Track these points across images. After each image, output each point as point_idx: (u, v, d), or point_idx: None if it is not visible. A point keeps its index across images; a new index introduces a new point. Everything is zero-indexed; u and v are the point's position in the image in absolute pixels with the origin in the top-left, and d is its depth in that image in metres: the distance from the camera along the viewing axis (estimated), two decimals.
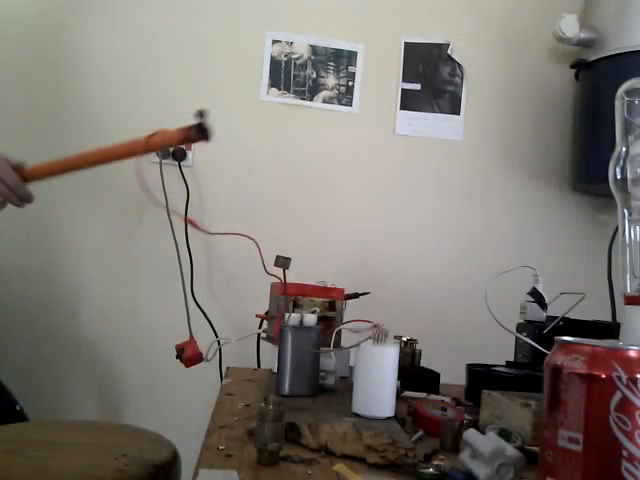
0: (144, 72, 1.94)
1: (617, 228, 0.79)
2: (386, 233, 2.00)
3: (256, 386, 1.18)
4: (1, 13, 1.89)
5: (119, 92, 1.92)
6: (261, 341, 1.65)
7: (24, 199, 1.24)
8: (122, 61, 1.93)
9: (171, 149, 1.90)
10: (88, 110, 1.90)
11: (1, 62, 1.88)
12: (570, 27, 1.87)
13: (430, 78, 2.04)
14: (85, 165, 1.19)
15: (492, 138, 2.06)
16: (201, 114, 1.05)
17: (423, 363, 1.28)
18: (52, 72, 1.90)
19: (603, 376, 0.48)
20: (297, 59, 2.00)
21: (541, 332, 1.16)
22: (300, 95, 1.99)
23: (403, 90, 2.03)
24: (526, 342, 1.10)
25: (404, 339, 1.27)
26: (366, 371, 0.91)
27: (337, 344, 1.15)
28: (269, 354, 1.35)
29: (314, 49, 2.00)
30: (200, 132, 1.05)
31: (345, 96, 2.01)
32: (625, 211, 0.77)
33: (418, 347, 1.28)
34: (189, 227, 1.87)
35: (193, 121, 1.06)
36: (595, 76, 1.87)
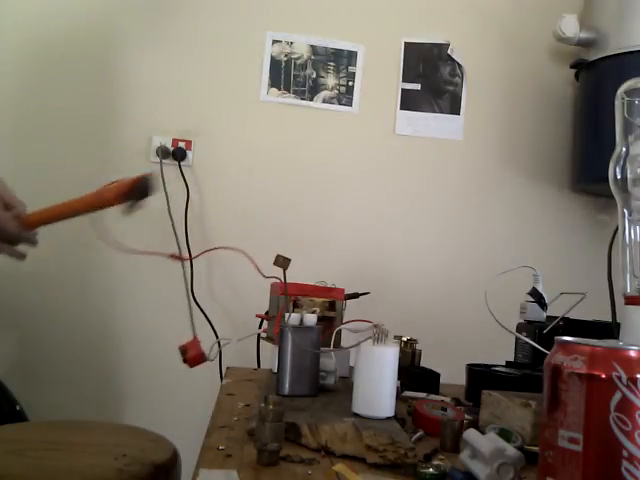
0: (142, 71, 1.94)
1: (617, 228, 0.79)
2: (386, 233, 2.00)
3: (256, 386, 1.18)
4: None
5: (119, 91, 1.92)
6: (261, 341, 1.65)
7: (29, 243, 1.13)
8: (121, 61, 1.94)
9: (171, 149, 1.90)
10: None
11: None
12: (570, 27, 1.87)
13: (430, 78, 2.04)
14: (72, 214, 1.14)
15: (492, 138, 2.06)
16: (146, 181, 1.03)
17: (423, 363, 1.28)
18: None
19: (603, 376, 0.48)
20: (297, 59, 2.00)
21: (541, 332, 1.16)
22: (300, 95, 1.99)
23: (403, 90, 2.03)
24: (526, 342, 1.10)
25: (404, 339, 1.27)
26: (366, 371, 0.90)
27: (337, 344, 1.15)
28: (269, 354, 1.35)
29: (314, 49, 2.00)
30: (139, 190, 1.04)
31: (345, 96, 2.01)
32: (625, 211, 0.77)
33: (418, 347, 1.28)
34: (189, 230, 1.87)
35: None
36: (595, 76, 1.87)
